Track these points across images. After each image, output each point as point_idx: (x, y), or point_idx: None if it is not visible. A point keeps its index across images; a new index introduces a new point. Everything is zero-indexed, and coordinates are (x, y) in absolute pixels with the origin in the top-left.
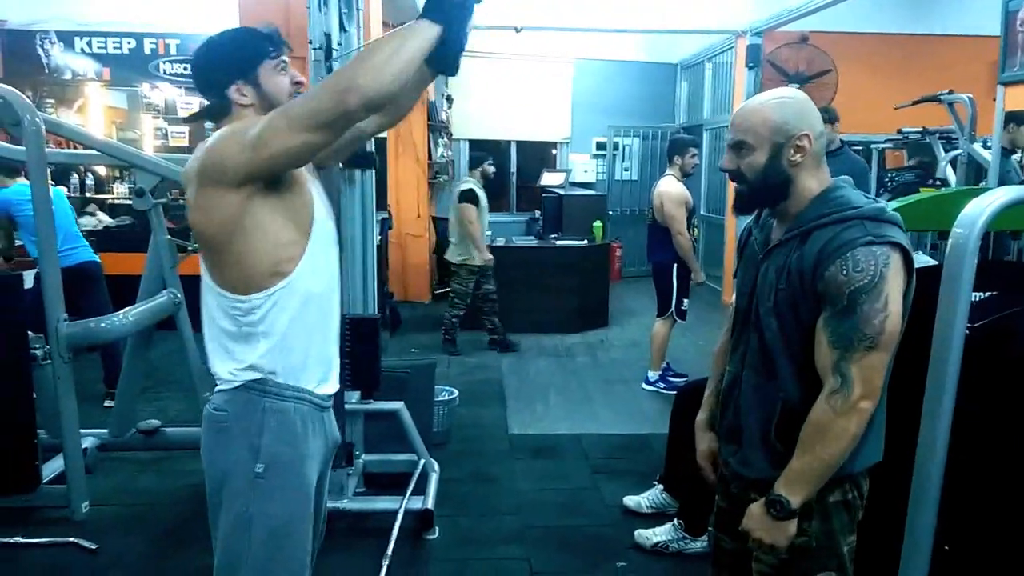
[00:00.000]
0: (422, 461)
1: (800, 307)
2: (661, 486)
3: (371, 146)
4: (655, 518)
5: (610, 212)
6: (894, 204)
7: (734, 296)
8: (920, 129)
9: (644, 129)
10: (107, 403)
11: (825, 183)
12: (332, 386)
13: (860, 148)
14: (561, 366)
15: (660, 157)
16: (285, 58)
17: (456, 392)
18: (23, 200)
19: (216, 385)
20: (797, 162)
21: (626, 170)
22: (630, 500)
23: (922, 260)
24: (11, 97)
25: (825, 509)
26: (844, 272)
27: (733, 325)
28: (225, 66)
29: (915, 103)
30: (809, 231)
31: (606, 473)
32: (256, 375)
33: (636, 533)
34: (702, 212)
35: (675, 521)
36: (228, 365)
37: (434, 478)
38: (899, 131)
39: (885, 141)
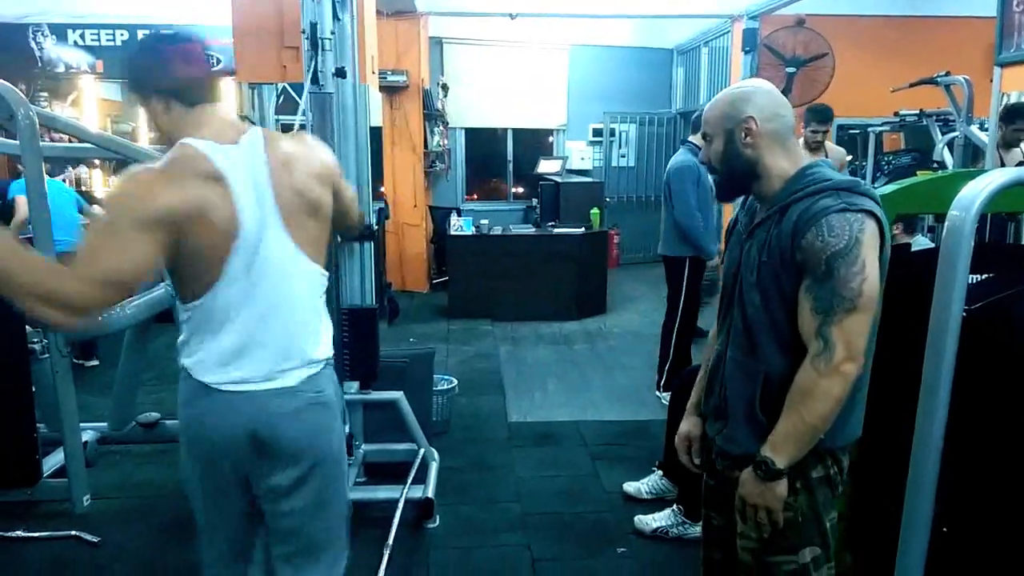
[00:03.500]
0: (422, 450)
1: (782, 279)
2: (660, 472)
3: (368, 135)
4: (655, 504)
5: (607, 199)
6: (891, 187)
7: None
8: (917, 112)
9: (641, 115)
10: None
11: (799, 163)
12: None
13: (857, 131)
14: (559, 354)
15: (658, 143)
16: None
17: (455, 381)
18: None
19: None
20: (750, 144)
21: (623, 156)
22: (630, 486)
23: (920, 243)
24: (4, 91)
25: (809, 485)
26: (820, 238)
27: (720, 306)
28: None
29: (912, 85)
30: (787, 206)
31: (605, 460)
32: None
33: (636, 519)
34: None
35: (674, 507)
36: (323, 347)
37: (434, 467)
38: (896, 114)
39: (882, 124)
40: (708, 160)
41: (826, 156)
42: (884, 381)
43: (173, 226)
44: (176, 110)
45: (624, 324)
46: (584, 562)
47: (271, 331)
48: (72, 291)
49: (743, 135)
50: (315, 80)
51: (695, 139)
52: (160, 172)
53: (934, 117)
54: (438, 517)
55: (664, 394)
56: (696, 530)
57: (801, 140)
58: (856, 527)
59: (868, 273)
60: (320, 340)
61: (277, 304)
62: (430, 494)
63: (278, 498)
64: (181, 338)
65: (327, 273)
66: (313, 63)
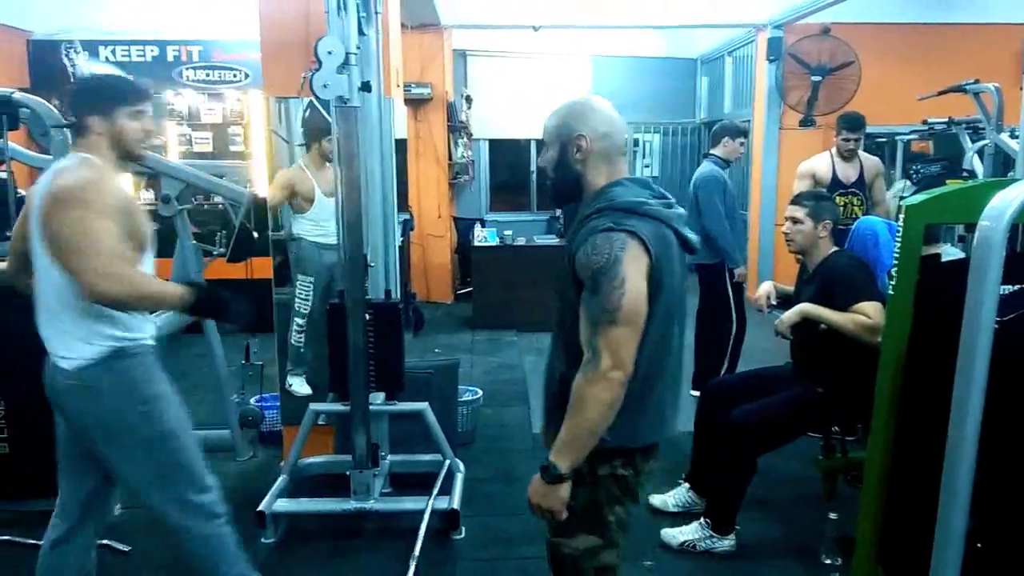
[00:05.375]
0: (447, 461)
1: (571, 290)
2: (687, 485)
3: (393, 147)
4: (681, 517)
5: None
6: (920, 197)
7: None
8: (946, 120)
9: (664, 125)
10: None
11: (609, 179)
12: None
13: (884, 140)
14: None
15: (682, 153)
16: (142, 108)
17: (480, 392)
18: None
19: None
20: (580, 159)
21: (647, 167)
22: (656, 499)
23: (950, 253)
24: (38, 107)
25: (594, 480)
26: (586, 255)
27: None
28: (92, 100)
29: (940, 93)
30: (583, 220)
31: None
32: None
33: (662, 532)
34: None
35: (702, 520)
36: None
37: (460, 478)
38: (924, 122)
39: (910, 132)
40: (543, 165)
41: (860, 166)
42: (916, 393)
43: None
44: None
45: None
46: None
47: None
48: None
49: (574, 150)
50: (313, 93)
51: (716, 151)
52: None
53: (963, 125)
54: (464, 528)
55: None
56: (724, 544)
57: (834, 148)
58: (888, 542)
59: (627, 288)
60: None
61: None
62: (456, 505)
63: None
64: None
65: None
66: (312, 76)
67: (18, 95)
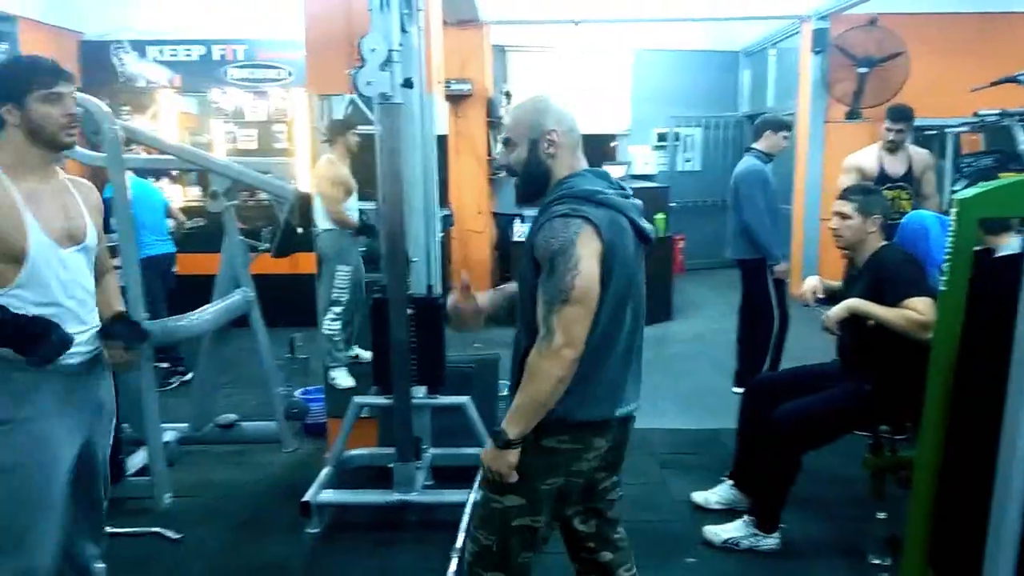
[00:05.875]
0: None
1: (528, 272)
2: (731, 482)
3: (435, 144)
4: (724, 514)
5: (672, 204)
6: (972, 191)
7: None
8: (998, 111)
9: (707, 119)
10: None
11: (571, 170)
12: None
13: (934, 132)
14: None
15: (724, 146)
16: (58, 90)
17: None
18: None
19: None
20: (552, 154)
21: (688, 161)
22: (699, 496)
23: (1015, 247)
24: (91, 106)
25: (534, 448)
26: (544, 239)
27: None
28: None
29: (992, 84)
30: (544, 208)
31: (674, 468)
32: None
33: (705, 529)
34: None
35: (746, 517)
36: None
37: None
38: (975, 114)
39: (960, 125)
40: (508, 164)
41: (909, 159)
42: (968, 391)
43: None
44: None
45: (690, 330)
46: (652, 571)
47: None
48: None
49: (546, 145)
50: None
51: (759, 145)
52: None
53: (1016, 117)
54: None
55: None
56: (769, 542)
57: (881, 141)
58: (939, 543)
59: (581, 269)
60: None
61: None
62: None
63: None
64: None
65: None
66: (356, 73)
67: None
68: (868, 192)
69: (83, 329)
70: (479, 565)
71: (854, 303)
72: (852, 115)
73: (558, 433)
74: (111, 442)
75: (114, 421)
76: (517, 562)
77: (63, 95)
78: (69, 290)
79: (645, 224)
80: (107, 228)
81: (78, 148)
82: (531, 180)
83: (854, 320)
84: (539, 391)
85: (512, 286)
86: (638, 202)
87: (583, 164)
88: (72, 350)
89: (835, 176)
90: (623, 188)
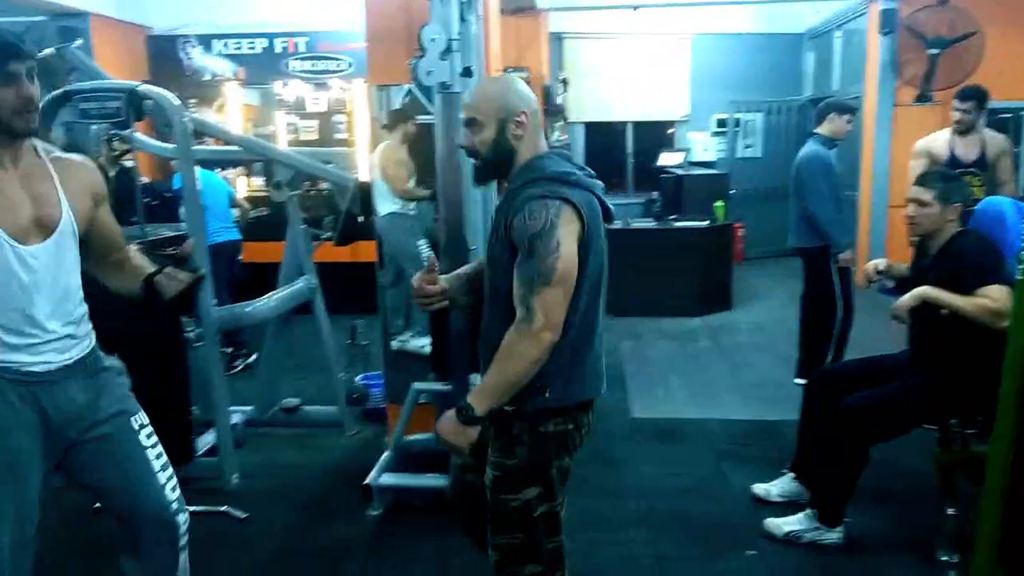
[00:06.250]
0: None
1: (505, 254)
2: (792, 474)
3: None
4: (786, 507)
5: (732, 191)
6: None
7: None
8: None
9: (768, 103)
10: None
11: (535, 152)
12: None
13: (1009, 115)
14: (682, 350)
15: (787, 132)
16: (11, 70)
17: None
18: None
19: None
20: (519, 136)
21: (748, 147)
22: (759, 488)
23: None
24: (163, 100)
25: (537, 437)
26: (523, 221)
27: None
28: None
29: None
30: (513, 192)
31: (733, 459)
32: None
33: (766, 522)
34: None
35: (808, 510)
36: None
37: None
38: None
39: None
40: (472, 146)
41: (983, 144)
42: None
43: None
44: None
45: (750, 320)
46: (712, 563)
47: None
48: None
49: (515, 127)
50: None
51: (822, 130)
52: None
53: None
54: None
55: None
56: (832, 536)
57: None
58: (1012, 541)
59: (562, 251)
60: None
61: None
62: None
63: None
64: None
65: None
66: (416, 63)
67: (143, 87)
68: (948, 179)
69: (56, 337)
70: (512, 565)
71: (926, 291)
72: (922, 98)
73: (552, 417)
74: (138, 434)
75: (134, 415)
76: (548, 548)
77: (16, 75)
78: (35, 292)
79: (610, 204)
80: (176, 217)
81: (150, 140)
82: (496, 162)
83: (925, 309)
84: (513, 371)
85: (467, 268)
86: (600, 183)
87: (545, 146)
88: (46, 357)
89: (903, 162)
90: (585, 168)
